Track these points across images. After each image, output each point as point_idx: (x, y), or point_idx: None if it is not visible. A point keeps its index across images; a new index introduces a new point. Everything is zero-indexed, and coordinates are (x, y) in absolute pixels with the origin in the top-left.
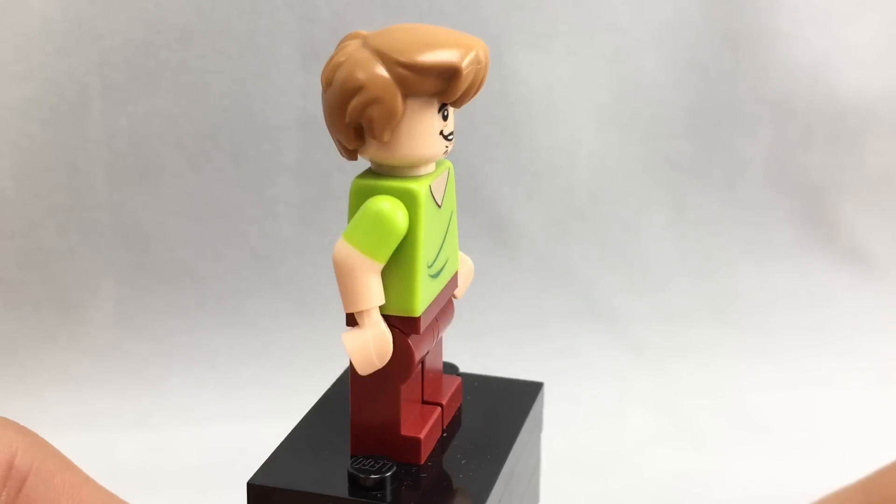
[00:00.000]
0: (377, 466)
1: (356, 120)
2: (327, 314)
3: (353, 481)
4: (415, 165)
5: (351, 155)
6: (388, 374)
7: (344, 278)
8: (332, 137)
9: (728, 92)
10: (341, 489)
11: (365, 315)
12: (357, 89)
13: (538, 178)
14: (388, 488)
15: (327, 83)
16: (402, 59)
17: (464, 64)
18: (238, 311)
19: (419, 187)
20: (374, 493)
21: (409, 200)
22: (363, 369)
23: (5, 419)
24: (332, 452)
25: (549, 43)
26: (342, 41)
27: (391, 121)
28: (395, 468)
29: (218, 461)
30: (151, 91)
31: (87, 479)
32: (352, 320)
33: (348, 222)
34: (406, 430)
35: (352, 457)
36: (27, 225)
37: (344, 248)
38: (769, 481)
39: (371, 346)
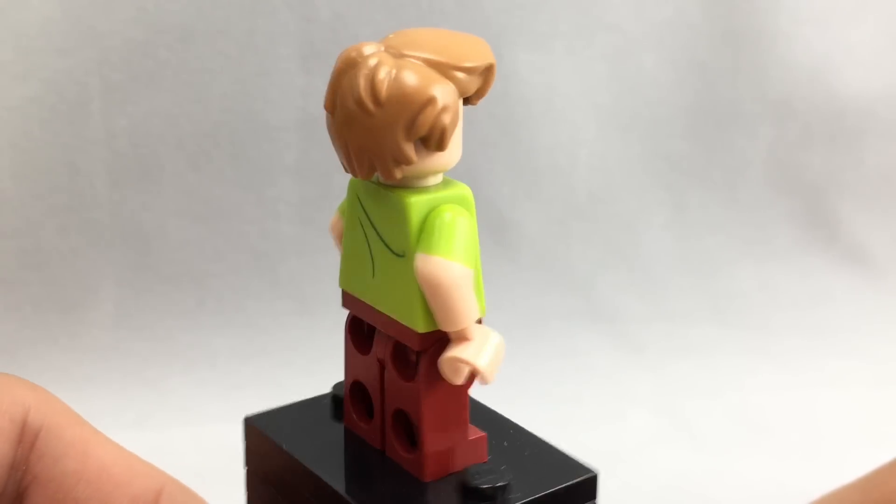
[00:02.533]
0: (493, 474)
1: (425, 132)
2: (327, 314)
3: (481, 496)
4: (448, 169)
5: (403, 169)
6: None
7: (456, 295)
8: (376, 159)
9: (728, 92)
10: None
11: (475, 325)
12: (429, 100)
13: (538, 178)
14: (503, 493)
15: (376, 103)
16: (460, 63)
17: (494, 60)
18: (238, 311)
19: (469, 192)
20: (493, 500)
21: (468, 206)
22: (492, 377)
23: (15, 377)
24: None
25: (550, 43)
26: (357, 55)
27: (455, 126)
28: (508, 471)
29: (218, 461)
30: (151, 91)
31: (96, 433)
32: (429, 341)
33: (410, 241)
34: (471, 434)
35: (434, 478)
36: (27, 225)
37: (450, 266)
38: (769, 481)
39: (500, 352)
